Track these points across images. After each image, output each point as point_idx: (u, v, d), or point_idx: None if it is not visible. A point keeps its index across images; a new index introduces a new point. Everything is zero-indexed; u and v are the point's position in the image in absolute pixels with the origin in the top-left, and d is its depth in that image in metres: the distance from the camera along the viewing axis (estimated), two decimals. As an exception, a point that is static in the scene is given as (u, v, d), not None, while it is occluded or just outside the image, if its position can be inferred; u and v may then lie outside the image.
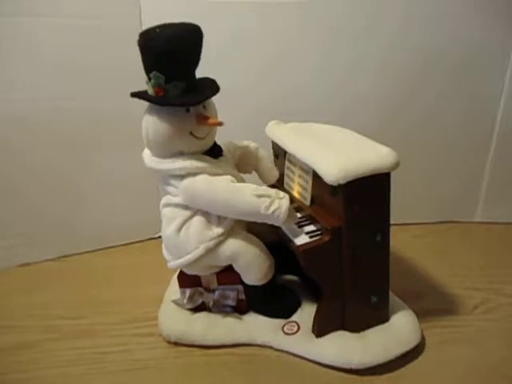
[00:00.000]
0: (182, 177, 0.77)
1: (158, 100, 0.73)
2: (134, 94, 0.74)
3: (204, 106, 0.77)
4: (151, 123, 0.75)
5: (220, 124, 0.76)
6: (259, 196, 0.74)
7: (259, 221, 0.77)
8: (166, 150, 0.77)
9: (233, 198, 0.75)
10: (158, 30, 0.70)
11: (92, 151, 1.17)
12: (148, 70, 0.72)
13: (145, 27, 1.06)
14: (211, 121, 0.76)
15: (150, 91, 0.74)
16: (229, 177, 0.78)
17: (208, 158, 0.79)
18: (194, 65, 0.75)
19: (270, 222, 0.77)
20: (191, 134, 0.76)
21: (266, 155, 0.95)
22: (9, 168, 1.11)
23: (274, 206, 0.74)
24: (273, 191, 0.77)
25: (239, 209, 0.76)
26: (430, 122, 1.21)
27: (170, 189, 0.80)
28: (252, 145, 0.94)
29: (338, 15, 1.11)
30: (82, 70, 1.08)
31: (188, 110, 0.75)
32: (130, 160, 1.18)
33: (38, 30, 1.03)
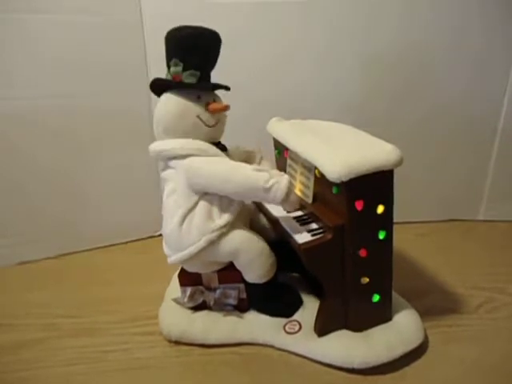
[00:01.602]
0: (183, 157, 0.78)
1: (175, 84, 0.79)
2: (154, 81, 0.80)
3: (214, 99, 0.83)
4: (163, 105, 0.81)
5: (226, 108, 0.82)
6: (258, 170, 0.76)
7: (258, 198, 0.79)
8: (174, 129, 0.80)
9: (233, 171, 0.77)
10: (183, 27, 0.78)
11: (92, 149, 1.16)
12: (169, 58, 0.78)
13: (145, 25, 1.08)
14: (216, 105, 0.81)
15: (169, 77, 0.80)
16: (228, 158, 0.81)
17: (211, 144, 0.81)
18: (211, 61, 0.81)
19: (268, 199, 0.77)
20: (198, 117, 0.80)
21: (270, 164, 0.97)
22: (9, 166, 1.11)
23: (272, 180, 0.74)
24: (273, 170, 0.79)
25: (238, 183, 0.76)
26: (433, 120, 1.20)
27: (169, 172, 0.82)
28: (258, 153, 0.96)
29: (338, 14, 1.10)
30: (82, 67, 1.08)
31: (199, 98, 0.80)
32: (130, 158, 1.18)
33: (38, 27, 1.02)
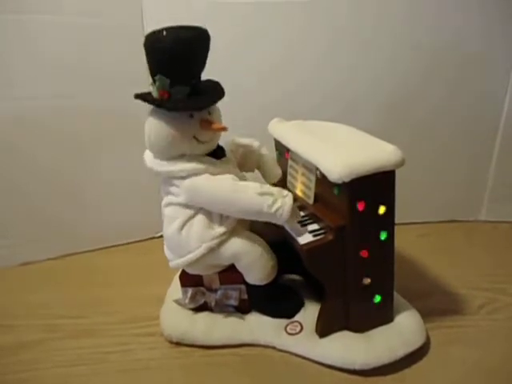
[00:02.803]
0: (183, 178, 0.76)
1: (163, 104, 0.72)
2: (138, 96, 0.73)
3: (209, 111, 0.77)
4: (154, 126, 0.75)
5: (224, 129, 0.76)
6: (262, 194, 0.73)
7: (262, 220, 0.76)
8: (168, 153, 0.77)
9: (235, 196, 0.74)
10: (164, 32, 0.69)
11: (93, 150, 1.16)
12: (153, 73, 0.71)
13: (147, 26, 1.07)
14: (215, 126, 0.75)
15: (155, 94, 0.73)
16: (231, 175, 0.78)
17: (210, 158, 0.78)
18: (200, 68, 0.75)
19: (272, 221, 0.76)
20: (195, 138, 0.75)
21: (269, 153, 0.95)
22: (10, 167, 1.11)
23: (276, 204, 0.73)
24: (276, 189, 0.76)
25: (241, 207, 0.75)
26: (434, 120, 1.20)
27: (171, 189, 0.79)
28: (255, 143, 0.92)
29: (340, 14, 1.10)
30: (82, 67, 1.07)
31: (192, 116, 0.74)
32: (131, 159, 1.16)
33: (39, 28, 1.02)
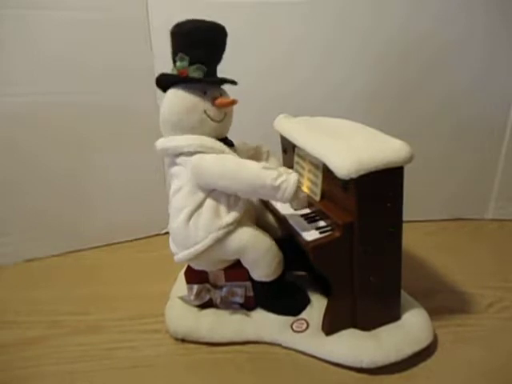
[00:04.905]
0: (191, 154, 0.78)
1: (182, 79, 0.78)
2: (160, 77, 0.80)
3: (220, 93, 0.82)
4: (170, 101, 0.80)
5: (233, 102, 0.81)
6: (267, 169, 0.75)
7: (266, 196, 0.78)
8: (180, 126, 0.79)
9: (240, 169, 0.76)
10: (189, 20, 0.77)
11: (97, 147, 1.16)
12: (175, 53, 0.78)
13: (151, 21, 1.07)
14: (223, 99, 0.80)
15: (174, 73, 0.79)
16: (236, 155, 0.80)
17: (218, 141, 0.80)
18: (217, 56, 0.81)
19: (277, 197, 0.75)
20: (205, 113, 0.79)
21: (277, 159, 0.96)
22: (12, 165, 1.10)
23: (281, 178, 0.73)
24: (281, 167, 0.77)
25: (246, 180, 0.75)
26: (441, 118, 1.19)
27: (176, 169, 0.81)
28: (264, 146, 0.95)
29: (342, 11, 1.09)
30: (85, 64, 1.07)
31: (205, 92, 0.79)
32: (135, 156, 1.17)
33: (40, 23, 1.02)
